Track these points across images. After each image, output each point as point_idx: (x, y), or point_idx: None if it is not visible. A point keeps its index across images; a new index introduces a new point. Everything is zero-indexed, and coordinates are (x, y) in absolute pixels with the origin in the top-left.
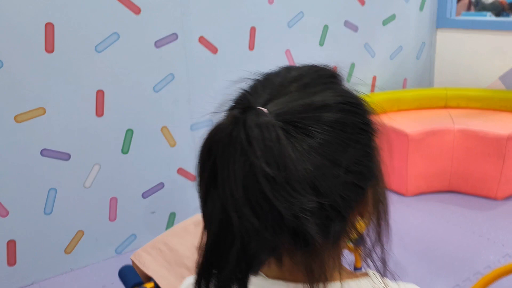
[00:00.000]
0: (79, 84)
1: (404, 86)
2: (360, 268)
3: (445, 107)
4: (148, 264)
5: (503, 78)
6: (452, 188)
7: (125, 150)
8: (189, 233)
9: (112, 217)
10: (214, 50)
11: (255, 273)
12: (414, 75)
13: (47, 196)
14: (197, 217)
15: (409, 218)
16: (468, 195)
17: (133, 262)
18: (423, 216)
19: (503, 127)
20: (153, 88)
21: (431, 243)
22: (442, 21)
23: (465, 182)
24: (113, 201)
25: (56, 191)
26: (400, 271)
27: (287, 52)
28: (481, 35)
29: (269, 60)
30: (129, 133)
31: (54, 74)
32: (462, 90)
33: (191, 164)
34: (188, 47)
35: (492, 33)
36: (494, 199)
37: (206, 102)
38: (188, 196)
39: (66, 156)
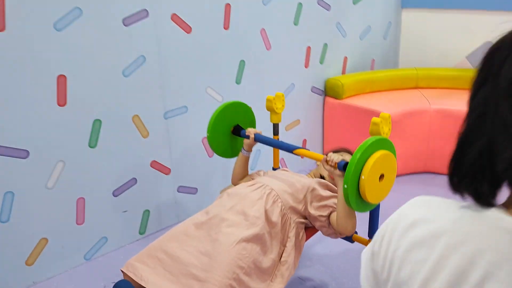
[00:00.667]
0: (36, 69)
1: (372, 68)
2: None
3: (416, 87)
4: (147, 276)
5: (470, 57)
6: (428, 169)
7: (92, 143)
8: (190, 237)
9: (80, 220)
10: (187, 29)
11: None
12: (381, 56)
13: (3, 201)
14: (197, 218)
15: (384, 200)
16: (444, 176)
17: (125, 275)
18: (399, 198)
19: None
20: (122, 72)
21: None
22: (407, 0)
23: (441, 162)
24: (81, 202)
25: (13, 194)
26: None
27: (262, 31)
28: (447, 14)
29: (244, 40)
30: (97, 124)
31: (6, 57)
32: (432, 70)
33: (166, 156)
34: (160, 26)
35: (459, 12)
36: None
37: (180, 87)
38: (163, 192)
39: (23, 154)
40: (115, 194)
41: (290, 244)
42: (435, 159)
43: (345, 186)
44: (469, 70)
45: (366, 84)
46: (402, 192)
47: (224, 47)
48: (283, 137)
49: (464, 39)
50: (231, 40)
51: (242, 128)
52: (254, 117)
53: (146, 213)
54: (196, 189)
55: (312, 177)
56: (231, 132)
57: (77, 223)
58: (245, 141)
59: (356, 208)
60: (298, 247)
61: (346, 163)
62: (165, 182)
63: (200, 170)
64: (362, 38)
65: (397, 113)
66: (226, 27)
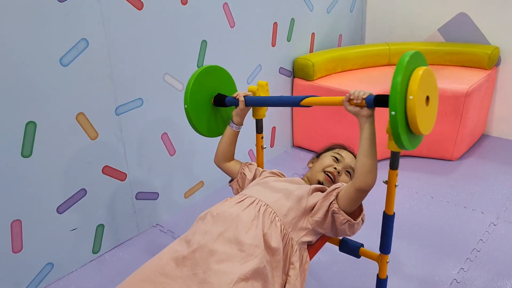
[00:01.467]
0: None
1: (339, 44)
2: (386, 279)
3: (389, 64)
4: None
5: (442, 30)
6: (406, 153)
7: (26, 152)
8: (170, 278)
9: (17, 247)
10: (139, 5)
11: None
12: (348, 31)
13: None
14: (177, 250)
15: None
16: (423, 158)
17: None
18: (376, 183)
19: (459, 83)
20: (60, 61)
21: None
22: None
23: (420, 145)
24: (16, 226)
25: None
26: (356, 235)
27: (225, 6)
28: None
29: (205, 16)
30: (30, 127)
31: None
32: (405, 45)
33: (120, 159)
34: (104, 1)
35: None
36: (450, 160)
37: (132, 76)
38: (118, 201)
39: None
40: (60, 210)
41: (293, 272)
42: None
43: (393, 113)
44: (442, 44)
45: (337, 63)
46: (379, 177)
47: (182, 25)
48: (249, 126)
49: (436, 10)
50: (191, 17)
51: (225, 96)
52: (235, 86)
53: (100, 228)
54: (158, 193)
55: (308, 183)
56: (213, 103)
57: (13, 251)
58: (235, 110)
59: (407, 143)
60: (302, 272)
61: (378, 95)
62: (121, 189)
63: (161, 172)
64: (329, 11)
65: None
66: (184, 1)
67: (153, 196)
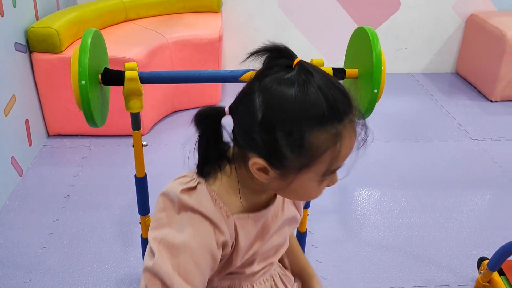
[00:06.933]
0: None
1: (58, 7)
2: (305, 232)
3: (127, 20)
4: None
5: None
6: (176, 108)
7: None
8: None
9: None
10: None
11: None
12: None
13: None
14: None
15: None
16: (193, 109)
17: None
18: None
19: (207, 29)
20: None
21: None
22: None
23: (187, 98)
24: None
25: None
26: None
27: None
28: None
29: None
30: None
31: None
32: None
33: None
34: None
35: None
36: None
37: None
38: None
39: None
40: None
41: None
42: (182, 95)
43: (376, 91)
44: None
45: (79, 26)
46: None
47: None
48: (4, 125)
49: None
50: None
51: (119, 71)
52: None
53: None
54: None
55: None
56: (101, 81)
57: None
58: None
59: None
60: None
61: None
62: None
63: None
64: None
65: (143, 55)
66: None
67: None
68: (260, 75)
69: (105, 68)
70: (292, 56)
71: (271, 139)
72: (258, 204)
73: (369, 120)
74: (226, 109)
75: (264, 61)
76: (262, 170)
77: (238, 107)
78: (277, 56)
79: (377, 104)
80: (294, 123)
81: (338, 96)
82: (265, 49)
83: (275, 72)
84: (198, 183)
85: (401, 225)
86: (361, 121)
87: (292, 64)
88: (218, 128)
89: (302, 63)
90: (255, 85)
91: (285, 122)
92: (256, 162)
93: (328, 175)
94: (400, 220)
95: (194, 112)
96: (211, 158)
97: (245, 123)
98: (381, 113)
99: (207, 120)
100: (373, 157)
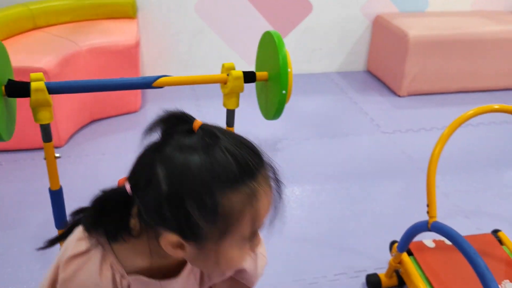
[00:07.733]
0: None
1: None
2: None
3: (35, 28)
4: None
5: None
6: (94, 117)
7: None
8: None
9: None
10: None
11: None
12: None
13: None
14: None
15: None
16: (112, 118)
17: None
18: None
19: (123, 36)
20: None
21: None
22: None
23: (105, 106)
24: None
25: None
26: None
27: None
28: None
29: None
30: None
31: None
32: (47, 2)
33: None
34: None
35: None
36: (135, 112)
37: None
38: None
39: None
40: None
41: None
42: (100, 103)
43: (284, 92)
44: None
45: None
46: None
47: None
48: None
49: None
50: None
51: (23, 83)
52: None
53: None
54: None
55: None
56: (5, 94)
57: None
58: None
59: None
60: None
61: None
62: None
63: None
64: None
65: (53, 64)
66: None
67: None
68: (160, 145)
69: (9, 79)
70: (190, 119)
71: (182, 212)
72: (167, 268)
73: (288, 119)
74: (128, 188)
75: (162, 132)
76: (178, 246)
77: (139, 183)
78: (175, 124)
79: (295, 104)
80: (204, 191)
81: (248, 154)
82: (160, 120)
83: (176, 140)
84: (92, 245)
85: (321, 218)
86: (272, 175)
87: (192, 128)
88: (124, 213)
89: (205, 126)
90: (155, 156)
91: (194, 191)
92: (169, 239)
93: (252, 237)
94: (320, 214)
95: (114, 121)
96: (111, 230)
97: (150, 200)
98: (299, 112)
99: (111, 211)
100: (293, 154)
